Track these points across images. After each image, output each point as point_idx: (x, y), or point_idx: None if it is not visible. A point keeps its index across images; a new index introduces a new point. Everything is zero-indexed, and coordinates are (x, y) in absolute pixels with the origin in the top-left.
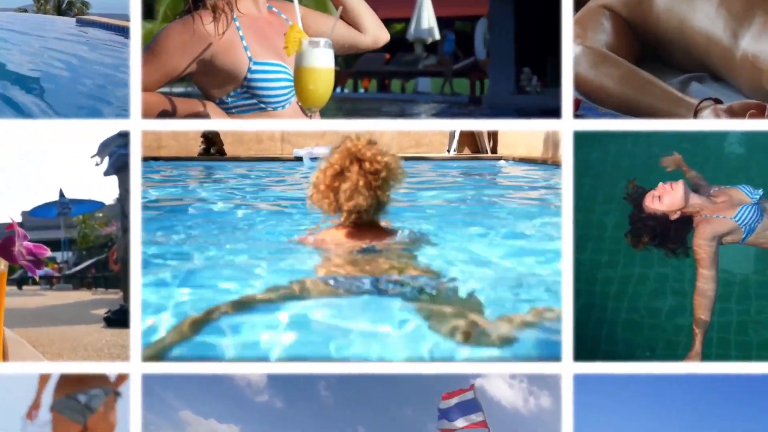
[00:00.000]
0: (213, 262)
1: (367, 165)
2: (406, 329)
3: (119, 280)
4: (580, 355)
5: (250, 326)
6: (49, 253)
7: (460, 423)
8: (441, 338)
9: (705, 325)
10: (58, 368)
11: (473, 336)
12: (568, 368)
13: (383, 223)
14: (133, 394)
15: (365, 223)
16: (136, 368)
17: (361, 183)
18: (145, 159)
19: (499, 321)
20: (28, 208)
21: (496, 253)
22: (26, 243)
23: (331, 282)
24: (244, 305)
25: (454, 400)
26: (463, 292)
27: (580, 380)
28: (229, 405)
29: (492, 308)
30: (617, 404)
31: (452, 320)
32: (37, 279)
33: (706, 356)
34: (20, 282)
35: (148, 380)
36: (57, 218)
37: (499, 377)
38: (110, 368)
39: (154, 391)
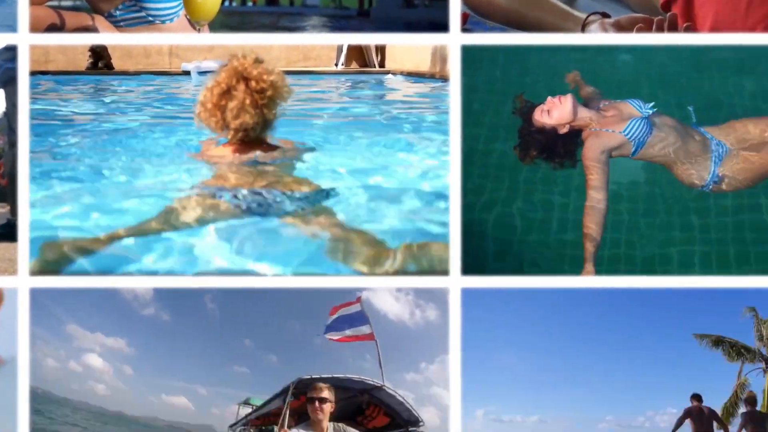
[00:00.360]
0: (101, 177)
1: (253, 84)
2: (289, 246)
3: (6, 194)
4: (468, 269)
5: (138, 248)
6: None
7: (347, 334)
8: (334, 261)
9: (596, 240)
10: None
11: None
12: (456, 282)
13: (269, 139)
14: (21, 308)
15: (252, 140)
16: (24, 282)
17: (247, 101)
18: (33, 73)
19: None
20: None
21: (383, 166)
22: None
23: (217, 196)
24: (132, 229)
25: (341, 312)
26: (346, 207)
27: (467, 294)
28: (116, 319)
29: (376, 223)
30: (504, 317)
31: (343, 243)
32: None
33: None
34: None
35: (35, 294)
36: None
37: (385, 291)
38: None
39: (42, 306)
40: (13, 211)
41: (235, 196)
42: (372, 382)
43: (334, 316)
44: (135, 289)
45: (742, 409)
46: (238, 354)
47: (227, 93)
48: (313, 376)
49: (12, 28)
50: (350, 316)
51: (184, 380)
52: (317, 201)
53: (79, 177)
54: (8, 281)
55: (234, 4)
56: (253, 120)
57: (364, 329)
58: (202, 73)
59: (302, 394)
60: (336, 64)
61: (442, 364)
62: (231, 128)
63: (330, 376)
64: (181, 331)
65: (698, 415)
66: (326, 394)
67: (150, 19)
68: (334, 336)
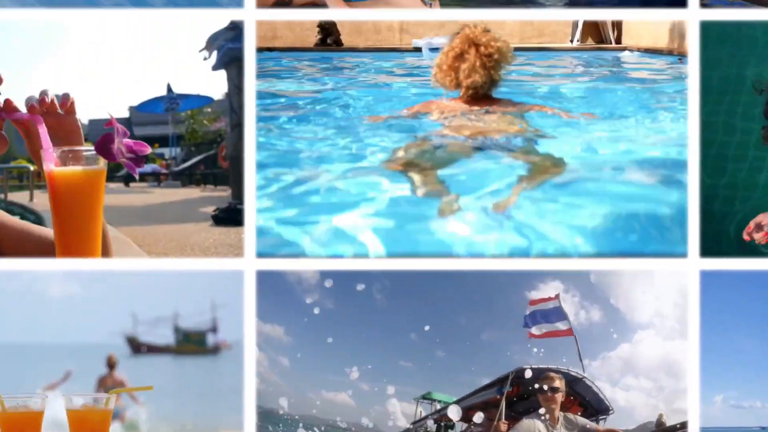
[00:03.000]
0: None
1: (482, 49)
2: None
3: (227, 177)
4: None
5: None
6: (149, 150)
7: (543, 330)
8: None
9: None
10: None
11: None
12: (694, 264)
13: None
14: (247, 291)
15: (481, 97)
16: (250, 265)
17: (477, 64)
18: (259, 50)
19: None
20: (136, 103)
21: (607, 137)
22: (126, 140)
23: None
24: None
25: (538, 308)
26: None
27: (706, 276)
28: (275, 305)
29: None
30: (743, 300)
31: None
32: (137, 177)
33: None
34: (127, 179)
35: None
36: (165, 114)
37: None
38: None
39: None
40: (235, 194)
41: (460, 142)
42: (574, 374)
43: (533, 311)
44: (300, 272)
45: None
46: (404, 348)
47: (460, 56)
48: (532, 366)
49: (238, 3)
50: (546, 311)
51: (344, 375)
52: (526, 142)
53: (306, 160)
54: (235, 263)
55: None
56: (482, 79)
57: (560, 325)
58: (433, 49)
59: (514, 385)
60: (571, 41)
61: (604, 361)
62: (463, 86)
63: (543, 366)
64: (345, 321)
65: None
66: (558, 383)
67: None
68: (535, 332)
